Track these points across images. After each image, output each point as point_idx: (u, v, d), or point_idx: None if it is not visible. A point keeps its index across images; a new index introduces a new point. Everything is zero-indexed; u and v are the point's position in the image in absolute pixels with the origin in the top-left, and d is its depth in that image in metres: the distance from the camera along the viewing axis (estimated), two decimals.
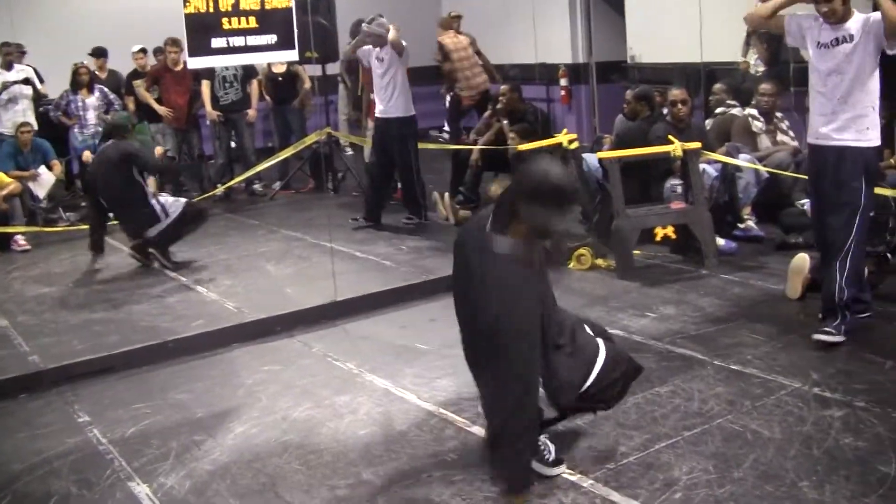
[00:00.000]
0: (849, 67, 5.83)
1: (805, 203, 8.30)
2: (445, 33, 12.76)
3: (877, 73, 5.86)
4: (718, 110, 10.22)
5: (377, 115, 10.29)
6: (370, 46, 10.07)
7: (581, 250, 8.13)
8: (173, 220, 8.89)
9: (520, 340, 4.11)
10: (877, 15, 5.73)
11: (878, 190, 6.98)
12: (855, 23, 5.82)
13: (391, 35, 9.72)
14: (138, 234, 8.98)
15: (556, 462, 4.52)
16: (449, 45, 12.53)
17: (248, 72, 12.52)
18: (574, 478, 4.44)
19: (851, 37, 5.81)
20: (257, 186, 12.90)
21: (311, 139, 12.01)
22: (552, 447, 4.54)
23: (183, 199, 9.24)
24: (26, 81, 11.82)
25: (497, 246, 4.12)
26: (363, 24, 10.00)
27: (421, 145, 10.56)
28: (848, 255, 5.94)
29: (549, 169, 4.12)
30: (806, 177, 8.12)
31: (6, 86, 11.67)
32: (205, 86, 12.40)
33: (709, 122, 9.99)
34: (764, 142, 9.21)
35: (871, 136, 5.92)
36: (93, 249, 9.24)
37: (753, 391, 5.31)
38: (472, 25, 13.62)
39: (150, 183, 9.46)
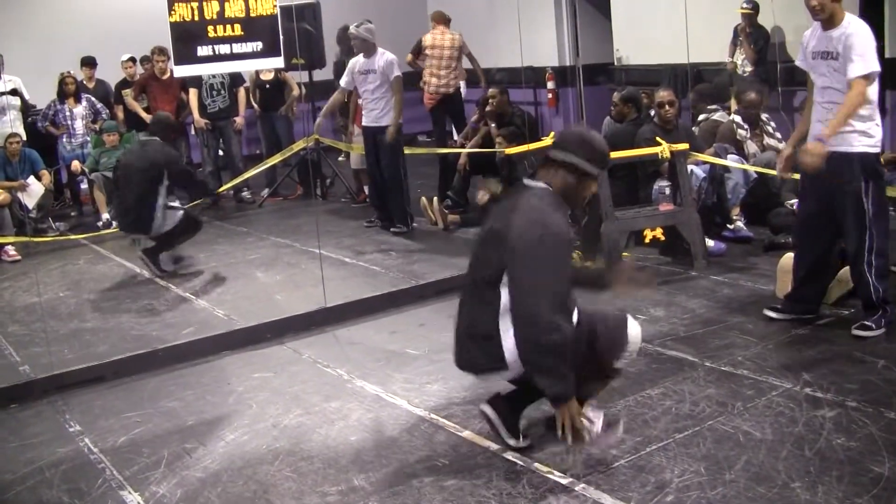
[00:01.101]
0: (840, 83, 5.85)
1: (794, 203, 8.31)
2: (434, 28, 12.75)
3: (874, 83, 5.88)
4: (701, 117, 10.23)
5: (365, 123, 10.20)
6: (360, 56, 10.03)
7: None
8: (165, 232, 8.87)
9: (560, 250, 4.48)
10: (850, 33, 5.77)
11: None
12: (840, 38, 5.81)
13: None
14: (131, 231, 8.96)
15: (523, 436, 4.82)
16: (426, 41, 12.46)
17: (235, 79, 12.53)
18: (565, 481, 4.44)
19: (838, 54, 5.82)
20: (246, 194, 12.88)
21: (298, 146, 11.99)
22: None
23: (180, 211, 9.16)
24: (14, 92, 11.80)
25: (534, 185, 4.61)
26: (351, 28, 9.98)
27: (407, 150, 10.54)
28: (871, 253, 6.00)
29: (588, 130, 4.79)
30: (795, 176, 8.19)
31: None
32: (192, 94, 12.39)
33: (695, 130, 9.97)
34: (751, 147, 9.20)
35: (869, 143, 5.92)
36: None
37: (744, 392, 5.31)
38: (457, 29, 13.61)
39: None
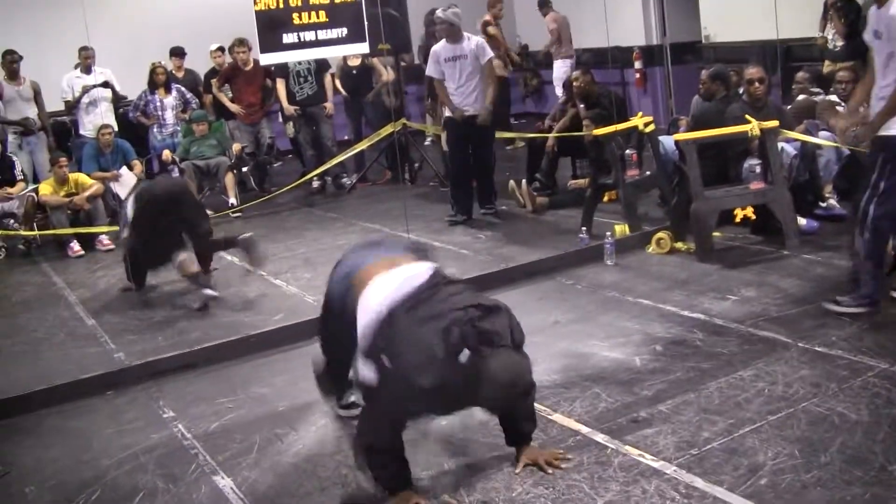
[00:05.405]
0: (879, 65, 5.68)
1: None
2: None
3: None
4: (801, 97, 10.05)
5: (452, 112, 9.75)
6: (443, 42, 9.67)
7: (660, 234, 8.06)
8: None
9: None
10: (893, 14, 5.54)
11: None
12: (884, 18, 5.62)
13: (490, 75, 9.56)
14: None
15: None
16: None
17: (322, 65, 12.53)
18: (657, 464, 4.40)
19: (881, 34, 5.66)
20: (346, 180, 12.85)
21: (386, 130, 11.98)
22: None
23: None
24: (105, 84, 12.00)
25: None
26: (438, 11, 9.79)
27: (498, 134, 10.43)
28: None
29: None
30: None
31: (86, 89, 11.88)
32: (280, 83, 12.42)
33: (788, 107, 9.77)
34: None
35: None
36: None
37: (839, 373, 5.22)
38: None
39: None
